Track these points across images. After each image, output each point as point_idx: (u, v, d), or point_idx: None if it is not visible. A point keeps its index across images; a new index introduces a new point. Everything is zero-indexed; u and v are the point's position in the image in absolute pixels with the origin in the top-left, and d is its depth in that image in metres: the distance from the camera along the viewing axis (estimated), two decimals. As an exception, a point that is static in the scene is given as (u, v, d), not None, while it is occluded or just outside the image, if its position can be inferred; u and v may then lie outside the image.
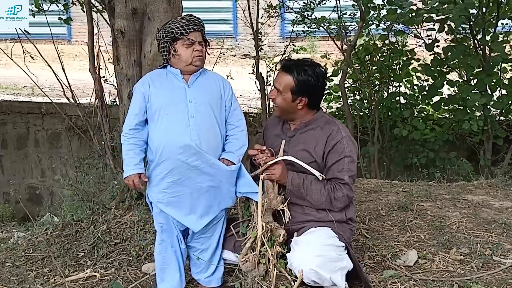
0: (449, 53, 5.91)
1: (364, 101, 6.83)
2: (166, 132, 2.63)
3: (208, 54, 2.78)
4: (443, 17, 5.63)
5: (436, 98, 6.33)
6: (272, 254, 2.52)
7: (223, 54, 12.39)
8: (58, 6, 5.61)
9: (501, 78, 5.99)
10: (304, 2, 6.68)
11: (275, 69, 6.73)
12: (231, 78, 6.96)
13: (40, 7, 5.14)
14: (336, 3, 6.44)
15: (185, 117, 2.63)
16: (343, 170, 2.65)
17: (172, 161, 2.63)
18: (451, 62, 6.04)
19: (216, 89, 2.77)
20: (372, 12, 6.24)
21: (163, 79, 2.72)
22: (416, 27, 6.12)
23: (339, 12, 6.50)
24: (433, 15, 5.65)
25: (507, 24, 6.12)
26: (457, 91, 6.15)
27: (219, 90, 2.78)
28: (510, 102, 6.03)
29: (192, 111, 2.65)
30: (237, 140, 2.77)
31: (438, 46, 6.07)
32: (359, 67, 6.69)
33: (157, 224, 2.82)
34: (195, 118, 2.64)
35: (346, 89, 6.51)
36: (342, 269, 2.52)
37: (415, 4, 5.77)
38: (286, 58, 3.02)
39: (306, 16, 6.65)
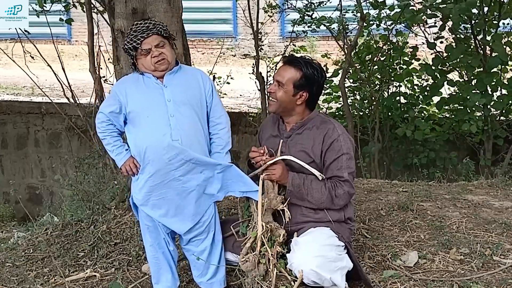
0: (450, 53, 5.91)
1: (365, 101, 6.83)
2: (148, 134, 2.61)
3: (175, 48, 2.75)
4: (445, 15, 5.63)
5: (436, 98, 6.33)
6: (272, 254, 2.51)
7: (223, 54, 12.39)
8: (61, 5, 5.61)
9: (502, 78, 5.99)
10: (305, 2, 6.68)
11: (275, 68, 6.74)
12: (231, 78, 7.00)
13: (44, 7, 5.14)
14: (340, 2, 6.43)
15: (165, 116, 2.61)
16: (342, 167, 2.65)
17: (156, 163, 2.61)
18: (452, 62, 6.04)
19: (195, 85, 2.74)
20: (373, 12, 6.25)
21: (139, 83, 2.70)
22: (419, 25, 6.12)
23: (341, 11, 6.49)
24: (436, 13, 5.65)
25: (508, 24, 6.12)
26: (457, 91, 6.15)
27: (198, 85, 2.75)
28: (510, 102, 6.02)
29: (172, 110, 2.63)
30: (220, 139, 2.75)
31: (442, 42, 6.07)
32: (359, 66, 6.69)
33: (143, 226, 2.79)
34: (175, 117, 2.62)
35: (346, 89, 6.51)
36: (342, 269, 2.52)
37: (419, 3, 5.78)
38: (288, 54, 3.01)
39: (308, 15, 6.64)
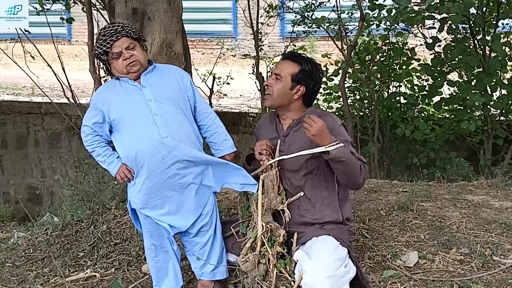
0: (449, 53, 5.91)
1: (364, 101, 6.83)
2: (136, 137, 2.62)
3: (145, 49, 2.74)
4: (444, 16, 5.62)
5: (436, 98, 6.33)
6: (272, 254, 2.52)
7: (223, 54, 12.39)
8: (62, 4, 5.61)
9: (501, 78, 5.99)
10: (304, 3, 6.69)
11: (275, 67, 6.71)
12: (231, 78, 7.00)
13: (43, 7, 5.14)
14: (336, 3, 6.44)
15: (149, 116, 2.62)
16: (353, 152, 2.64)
17: (149, 164, 2.61)
18: (451, 62, 6.04)
19: (173, 81, 2.76)
20: (372, 13, 6.24)
21: (117, 88, 2.70)
22: (418, 26, 6.12)
23: (339, 12, 6.50)
24: (434, 14, 5.64)
25: (507, 24, 6.12)
26: (457, 91, 6.15)
27: (176, 81, 2.76)
28: (510, 102, 6.02)
29: (155, 109, 2.63)
30: (220, 127, 2.84)
31: (439, 45, 6.08)
32: (359, 67, 6.69)
33: (144, 230, 2.79)
34: (160, 115, 2.62)
35: (346, 89, 6.50)
36: (348, 279, 2.49)
37: (417, 4, 5.77)
38: (289, 51, 3.01)
39: (306, 16, 6.66)
